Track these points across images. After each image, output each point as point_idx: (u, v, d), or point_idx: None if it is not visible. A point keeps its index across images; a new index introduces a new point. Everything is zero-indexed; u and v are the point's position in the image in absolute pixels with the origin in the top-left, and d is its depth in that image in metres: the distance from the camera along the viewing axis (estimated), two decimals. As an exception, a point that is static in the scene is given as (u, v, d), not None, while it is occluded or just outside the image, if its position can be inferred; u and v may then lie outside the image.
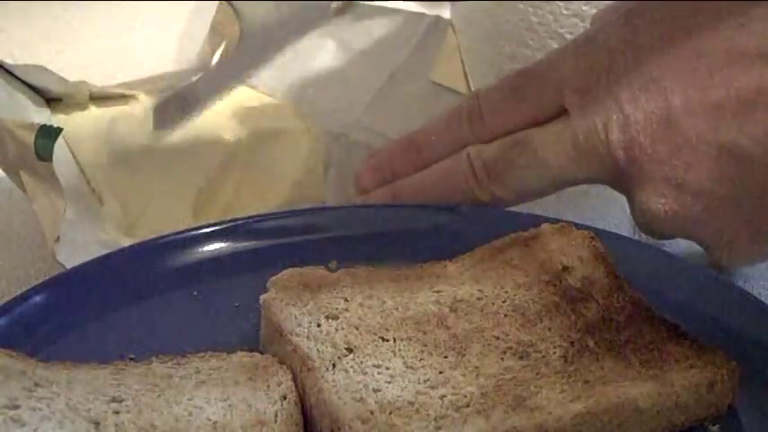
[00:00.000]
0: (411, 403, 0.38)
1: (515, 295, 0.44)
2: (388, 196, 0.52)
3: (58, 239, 0.47)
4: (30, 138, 0.49)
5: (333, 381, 0.38)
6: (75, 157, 0.53)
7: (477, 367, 0.40)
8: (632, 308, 0.43)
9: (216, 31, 0.67)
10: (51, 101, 0.57)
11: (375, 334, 0.41)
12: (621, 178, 0.48)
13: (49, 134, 0.49)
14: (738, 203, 0.45)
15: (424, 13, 0.68)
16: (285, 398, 0.38)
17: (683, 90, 0.46)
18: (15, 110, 0.53)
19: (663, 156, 0.46)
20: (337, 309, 0.43)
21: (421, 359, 0.40)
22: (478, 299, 0.44)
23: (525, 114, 0.50)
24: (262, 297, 0.43)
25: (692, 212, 0.46)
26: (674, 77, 0.46)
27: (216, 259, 0.48)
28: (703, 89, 0.45)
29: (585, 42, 0.49)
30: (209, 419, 0.37)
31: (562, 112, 0.49)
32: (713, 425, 0.40)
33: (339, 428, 0.36)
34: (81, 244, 0.48)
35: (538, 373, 0.40)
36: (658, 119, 0.46)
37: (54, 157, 0.49)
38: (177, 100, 0.52)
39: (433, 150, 0.52)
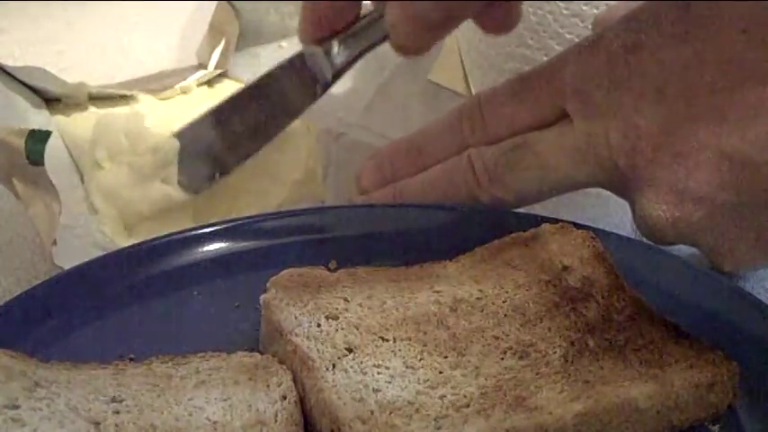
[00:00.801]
0: (411, 403, 0.38)
1: (515, 295, 0.44)
2: (388, 197, 0.52)
3: (54, 243, 0.47)
4: (20, 143, 0.48)
5: (333, 381, 0.38)
6: (73, 158, 0.53)
7: (477, 367, 0.40)
8: (632, 308, 0.43)
9: (215, 31, 0.67)
10: (50, 101, 0.57)
11: (375, 334, 0.41)
12: (623, 184, 0.48)
13: (39, 138, 0.48)
14: (740, 210, 0.45)
15: None
16: (285, 398, 0.38)
17: (685, 96, 0.46)
18: (11, 112, 0.53)
19: (664, 162, 0.46)
20: (337, 309, 0.43)
21: (421, 359, 0.40)
22: (478, 299, 0.44)
23: (526, 117, 0.50)
24: (262, 297, 0.43)
25: (694, 219, 0.46)
26: (676, 83, 0.46)
27: (216, 259, 0.48)
28: (705, 95, 0.45)
29: (587, 47, 0.49)
30: (209, 419, 0.37)
31: (563, 116, 0.49)
32: (713, 425, 0.40)
33: (339, 428, 0.36)
34: (78, 247, 0.48)
35: (538, 373, 0.40)
36: (660, 125, 0.46)
37: (51, 159, 0.48)
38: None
39: (433, 151, 0.52)
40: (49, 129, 0.50)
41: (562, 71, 0.49)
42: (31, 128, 0.49)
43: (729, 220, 0.45)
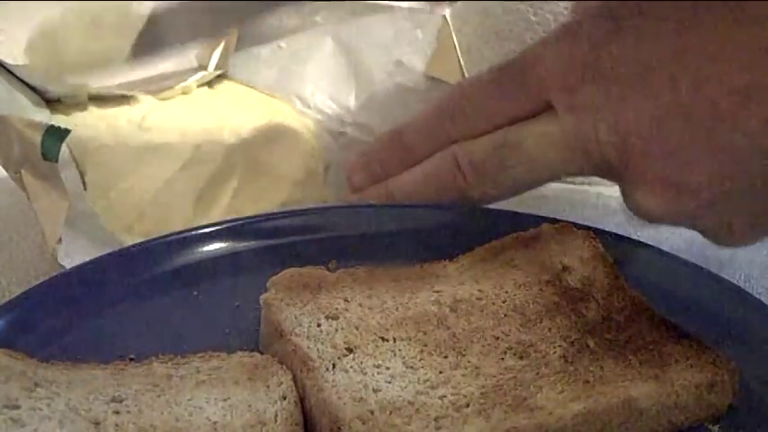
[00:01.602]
0: (411, 403, 0.38)
1: (515, 295, 0.44)
2: (381, 197, 0.52)
3: (59, 240, 0.47)
4: (36, 137, 0.49)
5: (333, 381, 0.38)
6: (74, 157, 0.53)
7: (477, 367, 0.40)
8: (632, 308, 0.43)
9: (215, 32, 0.67)
10: (51, 101, 0.57)
11: (375, 334, 0.41)
12: (614, 174, 0.47)
13: (55, 134, 0.48)
14: (736, 196, 0.45)
15: (418, 9, 0.67)
16: (285, 398, 0.38)
17: (674, 87, 0.45)
18: (16, 109, 0.53)
19: (657, 156, 0.45)
20: (337, 309, 0.43)
21: (421, 359, 0.40)
22: (478, 299, 0.44)
23: (509, 110, 0.49)
24: (262, 297, 0.43)
25: (690, 208, 0.45)
26: (664, 74, 0.45)
27: (216, 259, 0.48)
28: (694, 86, 0.44)
29: (569, 35, 0.48)
30: (209, 419, 0.37)
31: (547, 106, 0.48)
32: (713, 425, 0.40)
33: (339, 428, 0.36)
34: (80, 245, 0.48)
35: (538, 373, 0.40)
36: (650, 118, 0.45)
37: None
38: None
39: (420, 146, 0.52)
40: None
41: (543, 62, 0.48)
42: (50, 123, 0.49)
43: (726, 205, 0.45)
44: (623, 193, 0.48)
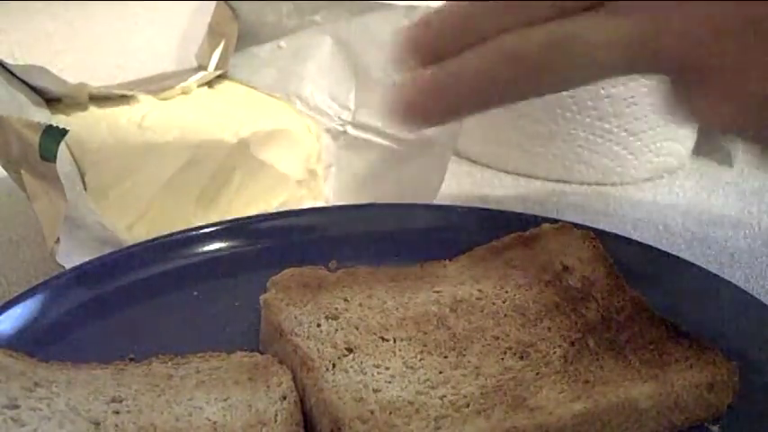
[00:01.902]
0: (411, 403, 0.38)
1: (515, 295, 0.44)
2: (430, 83, 0.48)
3: (57, 241, 0.47)
4: (34, 137, 0.49)
5: (333, 381, 0.38)
6: (74, 157, 0.53)
7: (477, 367, 0.40)
8: (632, 308, 0.43)
9: (214, 32, 0.67)
10: (50, 101, 0.57)
11: (375, 334, 0.41)
12: (671, 79, 0.45)
13: (53, 135, 0.48)
14: None
15: (417, 7, 0.67)
16: (285, 398, 0.38)
17: (753, 4, 0.41)
18: (16, 108, 0.53)
19: (726, 70, 0.42)
20: (337, 309, 0.43)
21: (421, 359, 0.40)
22: (478, 299, 0.44)
23: None
24: (262, 297, 0.43)
25: (752, 123, 0.43)
26: None
27: (216, 259, 0.48)
28: None
29: None
30: (209, 419, 0.37)
31: (606, 1, 0.44)
32: (713, 425, 0.40)
33: (339, 428, 0.36)
34: (80, 244, 0.48)
35: (538, 373, 0.40)
36: (725, 31, 0.42)
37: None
38: None
39: (468, 33, 0.47)
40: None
41: None
42: (48, 123, 0.49)
43: None
44: (675, 95, 0.45)
